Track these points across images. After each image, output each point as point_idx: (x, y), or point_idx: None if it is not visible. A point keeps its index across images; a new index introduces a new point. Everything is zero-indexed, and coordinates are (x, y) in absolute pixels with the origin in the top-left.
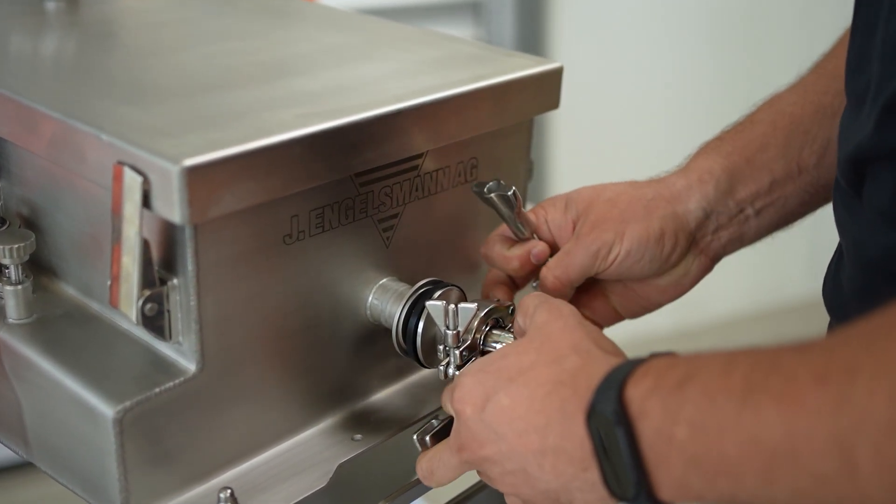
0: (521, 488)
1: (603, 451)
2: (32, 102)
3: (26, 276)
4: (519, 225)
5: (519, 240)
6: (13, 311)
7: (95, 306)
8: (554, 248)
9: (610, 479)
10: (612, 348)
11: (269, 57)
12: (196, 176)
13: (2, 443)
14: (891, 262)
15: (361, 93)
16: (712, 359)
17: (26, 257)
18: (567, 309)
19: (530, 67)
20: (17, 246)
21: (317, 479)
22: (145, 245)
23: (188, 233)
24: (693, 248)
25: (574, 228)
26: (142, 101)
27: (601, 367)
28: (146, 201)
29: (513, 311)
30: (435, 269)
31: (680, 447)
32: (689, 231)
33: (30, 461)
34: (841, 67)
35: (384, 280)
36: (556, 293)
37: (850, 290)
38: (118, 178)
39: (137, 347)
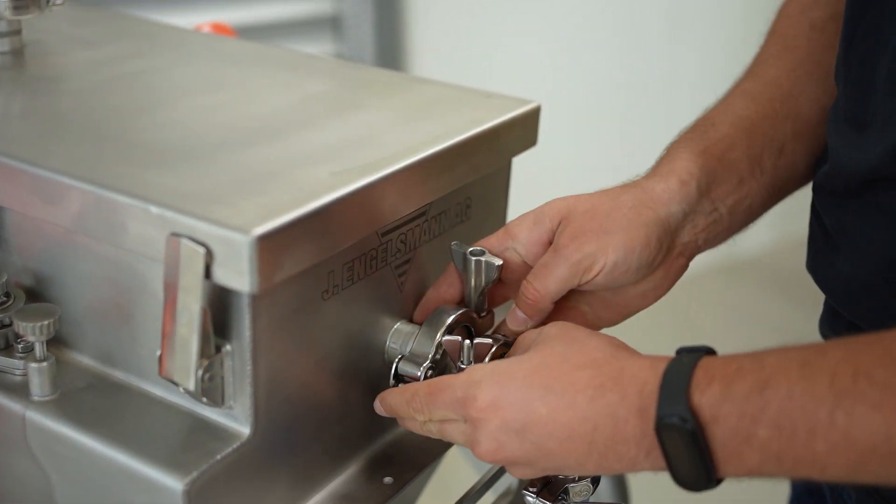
0: (538, 466)
1: (673, 454)
2: (52, 173)
3: (48, 352)
4: (481, 300)
5: (472, 312)
6: (38, 389)
7: (119, 375)
8: (524, 270)
9: (679, 474)
10: (632, 349)
11: (260, 109)
12: (265, 244)
13: None
14: None
15: (378, 145)
16: (784, 364)
17: (54, 332)
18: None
19: (515, 108)
20: (46, 322)
21: None
22: (204, 315)
23: (246, 300)
24: (672, 250)
25: (548, 243)
26: (164, 165)
27: (642, 370)
28: (207, 272)
29: None
30: None
31: (760, 445)
32: (672, 234)
33: None
34: (781, 77)
35: (398, 324)
36: (535, 306)
37: (857, 282)
38: (174, 250)
39: (176, 414)
